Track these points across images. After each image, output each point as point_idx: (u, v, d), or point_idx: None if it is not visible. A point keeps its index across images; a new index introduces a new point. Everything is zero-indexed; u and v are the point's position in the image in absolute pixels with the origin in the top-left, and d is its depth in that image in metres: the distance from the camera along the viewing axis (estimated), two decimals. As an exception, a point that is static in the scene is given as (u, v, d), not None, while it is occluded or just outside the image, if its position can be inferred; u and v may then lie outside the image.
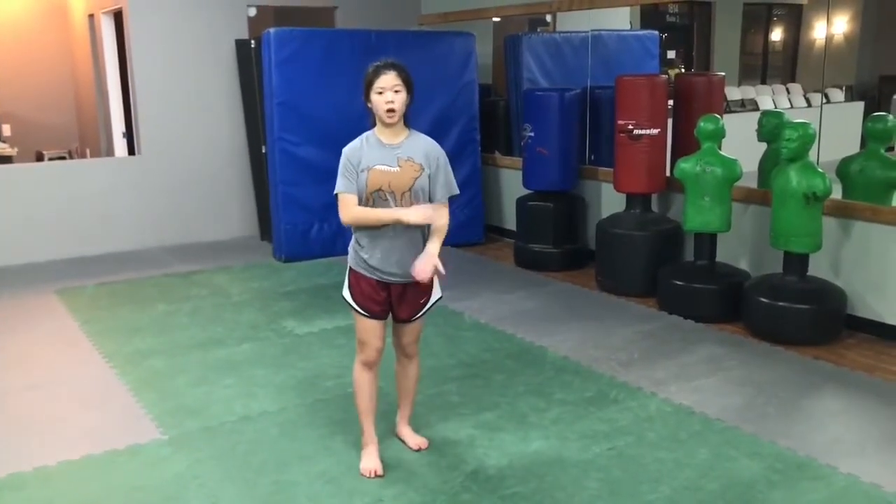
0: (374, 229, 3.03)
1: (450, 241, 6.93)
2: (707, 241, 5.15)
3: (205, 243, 7.40)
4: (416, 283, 3.06)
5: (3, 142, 8.69)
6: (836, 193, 4.79)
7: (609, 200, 6.29)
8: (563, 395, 3.96)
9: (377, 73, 3.00)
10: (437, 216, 3.03)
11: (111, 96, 8.06)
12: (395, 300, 3.14)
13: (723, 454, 3.34)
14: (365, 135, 3.10)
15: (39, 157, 8.93)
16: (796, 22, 9.32)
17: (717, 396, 3.92)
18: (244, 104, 7.41)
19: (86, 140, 9.60)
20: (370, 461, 3.24)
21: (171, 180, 7.28)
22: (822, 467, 3.23)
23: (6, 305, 5.59)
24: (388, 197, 3.00)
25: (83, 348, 4.73)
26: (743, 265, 5.37)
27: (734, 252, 5.41)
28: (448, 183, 3.12)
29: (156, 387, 4.14)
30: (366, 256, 3.08)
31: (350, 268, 3.17)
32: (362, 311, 3.14)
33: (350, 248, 3.17)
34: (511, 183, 7.22)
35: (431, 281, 3.16)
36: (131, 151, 7.75)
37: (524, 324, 5.02)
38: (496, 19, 7.87)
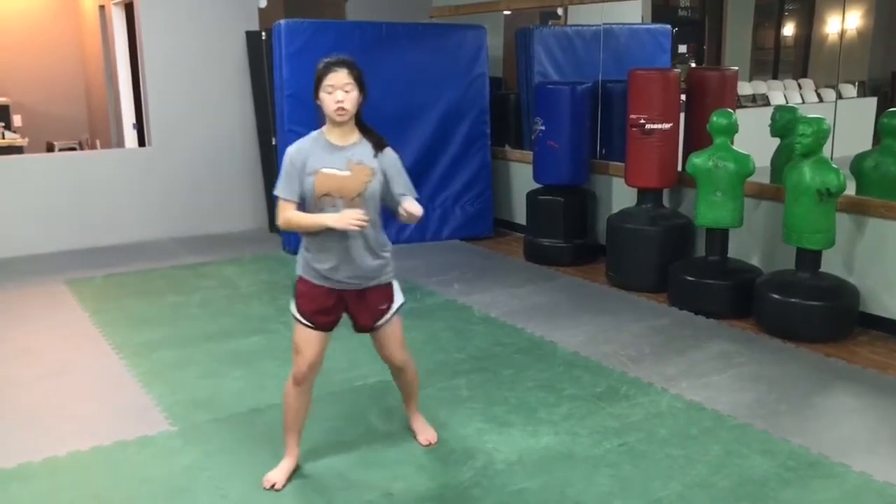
0: (322, 233, 2.88)
1: (459, 235, 7.01)
2: (719, 237, 5.12)
3: (214, 235, 7.40)
4: (374, 288, 3.00)
5: (14, 132, 8.69)
6: (851, 189, 4.75)
7: (620, 195, 6.26)
8: (574, 391, 3.94)
9: (327, 69, 2.83)
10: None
11: (121, 87, 8.07)
12: (353, 307, 3.02)
13: (734, 451, 3.32)
14: (313, 134, 2.95)
15: (50, 148, 8.94)
16: (808, 17, 9.25)
17: (728, 393, 3.90)
18: (254, 96, 7.40)
19: (96, 131, 9.62)
20: (276, 473, 3.09)
21: (181, 172, 7.28)
22: (834, 465, 3.20)
23: (16, 295, 5.60)
24: (338, 202, 2.85)
25: (92, 339, 4.73)
26: (755, 261, 5.34)
27: (746, 248, 5.38)
28: (407, 184, 2.99)
29: (165, 378, 4.14)
30: (316, 264, 2.95)
31: (299, 276, 3.03)
32: (307, 323, 2.99)
33: (299, 256, 3.04)
34: (521, 177, 7.19)
35: (391, 287, 3.09)
36: (141, 143, 7.75)
37: (534, 318, 5.01)
38: (507, 12, 7.83)
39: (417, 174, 6.86)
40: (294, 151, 2.92)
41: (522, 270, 6.21)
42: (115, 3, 7.86)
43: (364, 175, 2.87)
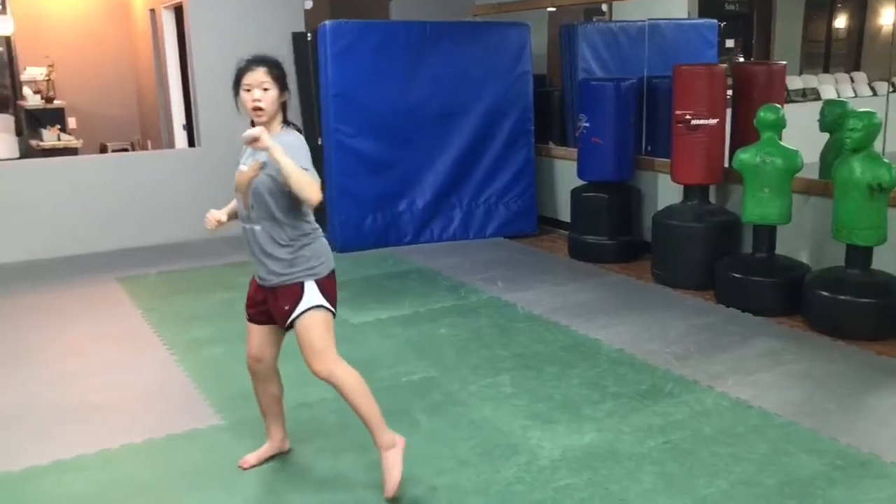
0: None
1: (503, 232, 7.02)
2: (766, 234, 5.05)
3: (261, 234, 7.49)
4: (282, 287, 2.90)
5: (69, 134, 8.93)
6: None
7: (666, 192, 6.21)
8: (618, 388, 3.93)
9: (246, 68, 2.81)
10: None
11: (172, 89, 8.22)
12: (270, 304, 3.00)
13: (781, 449, 3.28)
14: None
15: (103, 149, 9.17)
16: (862, 8, 9.05)
17: (775, 391, 3.85)
18: (300, 96, 7.48)
19: (147, 132, 9.82)
20: (252, 454, 3.26)
21: (230, 172, 7.25)
22: (886, 465, 3.15)
23: (71, 293, 5.76)
24: (238, 198, 2.98)
25: (144, 335, 4.85)
26: (803, 258, 5.26)
27: (794, 245, 5.30)
28: (298, 160, 2.71)
29: (214, 373, 4.22)
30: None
31: None
32: (246, 314, 3.11)
33: None
34: (565, 174, 7.17)
35: (300, 287, 2.90)
36: (191, 143, 7.89)
37: (578, 316, 4.99)
38: (551, 9, 7.81)
39: (461, 172, 6.90)
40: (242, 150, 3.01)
41: (567, 268, 6.19)
42: (165, 7, 8.01)
43: (252, 170, 2.86)
